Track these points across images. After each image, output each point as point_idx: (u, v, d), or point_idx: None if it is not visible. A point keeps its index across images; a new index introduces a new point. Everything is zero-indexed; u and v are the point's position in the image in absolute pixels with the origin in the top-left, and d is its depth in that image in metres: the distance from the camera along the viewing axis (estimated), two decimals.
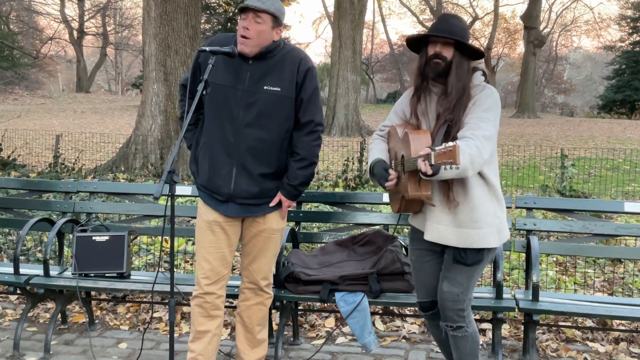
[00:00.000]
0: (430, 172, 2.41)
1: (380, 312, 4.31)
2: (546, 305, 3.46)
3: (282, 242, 3.55)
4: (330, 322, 4.27)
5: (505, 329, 4.06)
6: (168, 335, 3.79)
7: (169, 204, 2.83)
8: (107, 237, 3.95)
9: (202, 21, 30.90)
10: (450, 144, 2.28)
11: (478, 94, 2.72)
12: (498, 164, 2.88)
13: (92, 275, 3.90)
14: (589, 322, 4.12)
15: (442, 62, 2.71)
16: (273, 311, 3.95)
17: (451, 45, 2.71)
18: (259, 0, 2.92)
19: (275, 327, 3.97)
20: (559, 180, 8.73)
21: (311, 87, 3.06)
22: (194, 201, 5.88)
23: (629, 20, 39.23)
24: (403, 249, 3.74)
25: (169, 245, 5.11)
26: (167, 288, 3.45)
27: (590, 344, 3.94)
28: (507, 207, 3.20)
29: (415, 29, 45.96)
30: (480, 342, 3.37)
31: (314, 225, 5.45)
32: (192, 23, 10.55)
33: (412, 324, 4.24)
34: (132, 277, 3.96)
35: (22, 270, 3.92)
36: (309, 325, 4.27)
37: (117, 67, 54.03)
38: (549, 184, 8.79)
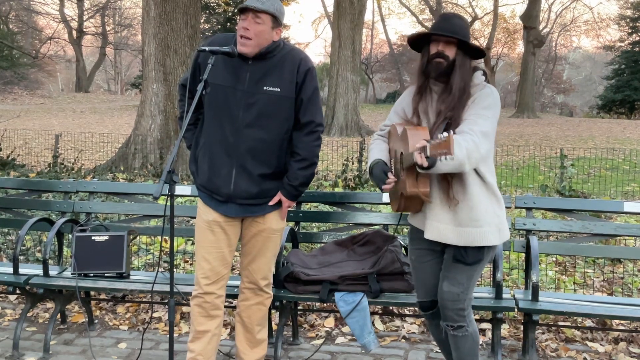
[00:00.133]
0: (425, 164, 2.41)
1: (380, 312, 4.31)
2: (546, 305, 3.46)
3: (282, 242, 3.55)
4: (330, 322, 4.27)
5: (504, 329, 4.06)
6: (167, 335, 3.80)
7: (168, 203, 2.82)
8: (106, 237, 3.94)
9: (202, 21, 30.86)
10: (445, 134, 2.28)
11: (478, 92, 2.72)
12: (497, 164, 2.89)
13: (92, 275, 3.90)
14: (588, 322, 4.12)
15: (444, 61, 2.71)
16: (273, 311, 3.95)
17: (453, 45, 2.72)
18: (258, 0, 2.92)
19: (274, 327, 3.97)
20: (558, 180, 8.74)
21: (311, 88, 3.06)
22: (194, 201, 5.88)
23: (628, 20, 39.25)
24: (403, 249, 3.74)
25: (168, 245, 5.11)
26: (167, 288, 3.44)
27: (589, 343, 3.94)
28: (507, 207, 3.20)
29: (415, 29, 45.93)
30: (480, 342, 3.37)
31: (314, 225, 5.45)
32: (192, 23, 10.54)
33: (411, 324, 4.24)
34: (131, 277, 3.95)
35: (21, 270, 3.91)
36: (309, 325, 4.27)
37: (117, 67, 54.02)
38: (548, 184, 8.79)
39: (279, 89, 3.00)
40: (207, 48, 2.94)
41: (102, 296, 4.61)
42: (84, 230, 4.03)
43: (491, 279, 4.24)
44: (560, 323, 4.13)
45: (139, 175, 9.91)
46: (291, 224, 4.14)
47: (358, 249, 3.83)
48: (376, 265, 3.57)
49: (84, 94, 39.11)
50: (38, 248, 5.46)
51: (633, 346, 3.92)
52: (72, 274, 3.89)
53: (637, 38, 38.63)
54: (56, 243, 4.36)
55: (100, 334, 4.16)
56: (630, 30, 39.22)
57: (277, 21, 2.99)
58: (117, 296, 4.61)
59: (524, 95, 32.02)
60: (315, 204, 6.25)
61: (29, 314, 4.36)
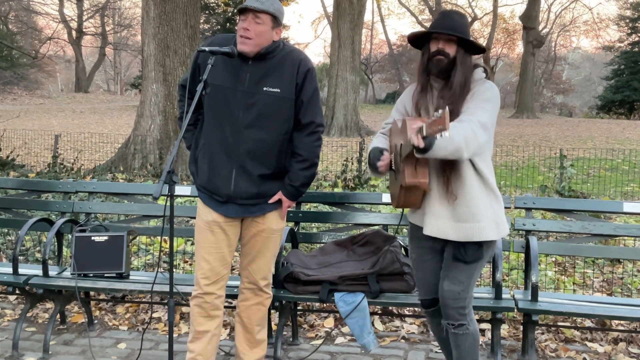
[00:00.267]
0: (422, 144, 2.40)
1: (380, 312, 4.31)
2: (545, 306, 3.46)
3: (282, 243, 3.55)
4: (330, 322, 4.27)
5: (504, 329, 4.07)
6: (167, 336, 3.80)
7: (168, 204, 2.82)
8: (106, 237, 3.94)
9: (201, 21, 30.89)
10: (440, 111, 2.28)
11: (478, 87, 2.74)
12: (497, 164, 2.90)
13: (91, 275, 3.90)
14: (588, 323, 4.12)
15: (445, 58, 2.73)
16: (272, 311, 3.95)
17: (454, 42, 2.74)
18: (258, 0, 2.92)
19: (274, 327, 3.97)
20: (558, 181, 8.74)
21: (311, 88, 3.06)
22: (193, 201, 5.88)
23: (627, 20, 39.27)
24: (402, 249, 3.74)
25: (168, 246, 5.11)
26: (167, 288, 3.44)
27: (589, 344, 3.94)
28: (506, 208, 3.20)
29: (414, 29, 45.90)
30: (480, 342, 3.37)
31: (313, 225, 5.45)
32: (191, 23, 10.54)
33: (411, 324, 4.25)
34: (131, 277, 3.95)
35: (21, 271, 3.91)
36: (308, 325, 4.27)
37: (116, 67, 54.00)
38: (548, 184, 8.79)
39: (278, 90, 3.00)
40: (206, 48, 2.94)
41: (102, 296, 4.61)
42: (83, 231, 4.03)
43: (491, 279, 4.24)
44: (559, 323, 4.14)
45: (139, 175, 9.91)
46: (291, 224, 4.14)
47: (358, 249, 3.84)
48: (376, 265, 3.57)
49: (84, 94, 39.10)
50: (38, 248, 5.46)
51: (632, 346, 3.92)
52: (71, 274, 3.89)
53: (637, 38, 38.65)
54: (56, 243, 4.36)
55: (99, 334, 4.16)
56: (629, 31, 39.25)
57: (277, 21, 2.99)
58: (116, 296, 4.61)
59: (523, 96, 32.03)
60: (314, 204, 6.25)
61: (29, 314, 4.36)
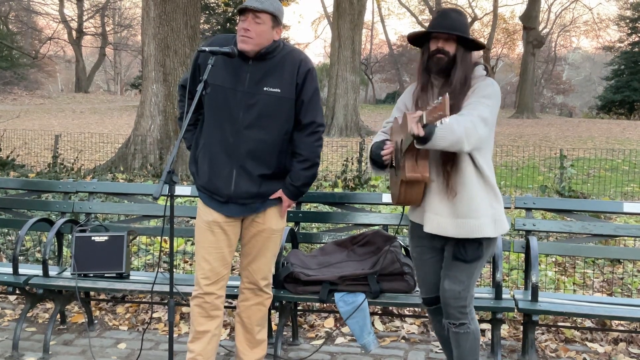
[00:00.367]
0: (422, 133, 2.40)
1: (380, 312, 4.31)
2: (545, 306, 3.46)
3: (282, 243, 3.55)
4: (330, 322, 4.27)
5: (504, 330, 4.07)
6: (167, 336, 3.81)
7: (168, 204, 2.82)
8: (106, 237, 3.94)
9: (202, 21, 30.88)
10: (440, 98, 2.28)
11: (478, 83, 2.75)
12: (497, 164, 2.90)
13: (91, 275, 3.90)
14: (588, 323, 4.12)
15: (445, 56, 2.75)
16: (272, 311, 3.95)
17: (453, 40, 2.75)
18: (257, 0, 2.92)
19: (274, 327, 3.97)
20: (558, 181, 8.73)
21: (311, 89, 3.06)
22: (193, 201, 5.88)
23: (628, 20, 39.27)
24: (402, 249, 3.74)
25: (168, 246, 5.11)
26: (167, 288, 3.44)
27: (589, 344, 3.94)
28: (507, 208, 3.19)
29: (415, 30, 45.91)
30: (480, 343, 3.37)
31: (314, 225, 5.45)
32: (192, 23, 10.54)
33: (411, 324, 4.25)
34: (131, 277, 3.95)
35: (21, 271, 3.91)
36: (309, 325, 4.27)
37: (116, 67, 54.01)
38: (548, 185, 8.79)
39: (279, 90, 3.00)
40: (207, 48, 2.94)
41: (102, 296, 4.61)
42: (83, 231, 4.03)
43: (491, 279, 4.24)
44: (559, 323, 4.14)
45: (139, 175, 9.91)
46: (291, 224, 4.14)
47: (358, 249, 3.84)
48: (376, 265, 3.57)
49: (84, 94, 39.10)
50: (38, 248, 5.46)
51: (632, 347, 3.92)
52: (71, 274, 3.89)
53: (637, 39, 38.65)
54: (56, 243, 4.36)
55: (99, 334, 4.16)
56: (629, 31, 39.24)
57: (277, 20, 2.99)
58: (116, 296, 4.61)
59: (523, 96, 32.02)
60: (315, 205, 6.25)
61: (29, 314, 4.36)
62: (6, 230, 5.74)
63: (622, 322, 4.06)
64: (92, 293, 4.35)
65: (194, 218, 3.94)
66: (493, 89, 2.74)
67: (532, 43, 31.11)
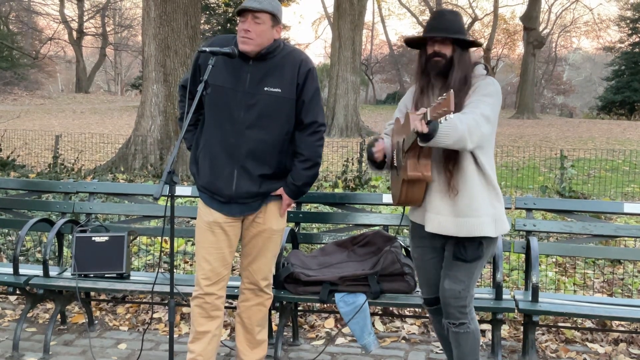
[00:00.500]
0: (425, 130, 2.40)
1: (380, 312, 4.31)
2: (546, 306, 3.46)
3: (282, 243, 3.55)
4: (330, 322, 4.27)
5: (504, 330, 4.06)
6: (168, 336, 3.80)
7: (168, 204, 2.83)
8: (106, 238, 3.94)
9: (202, 22, 30.88)
10: (445, 95, 2.28)
11: (479, 82, 2.76)
12: (497, 165, 2.90)
13: (92, 275, 3.90)
14: (588, 323, 4.12)
15: (442, 59, 2.76)
16: (273, 312, 3.95)
17: (449, 42, 2.76)
18: (255, 0, 2.92)
19: (275, 327, 3.97)
20: (558, 181, 8.73)
21: (312, 89, 3.06)
22: (194, 202, 5.88)
23: (628, 21, 39.25)
24: (403, 249, 3.74)
25: (168, 246, 5.11)
26: (167, 289, 3.45)
27: (589, 344, 3.94)
28: (507, 208, 3.20)
29: (415, 30, 45.99)
30: (480, 343, 3.37)
31: (314, 226, 5.45)
32: (192, 24, 10.55)
33: (411, 324, 4.24)
34: (131, 277, 3.95)
35: (21, 271, 3.91)
36: (309, 325, 4.27)
37: (117, 68, 54.01)
38: (548, 185, 8.79)
39: (279, 90, 3.00)
40: (207, 49, 2.94)
41: (102, 297, 4.61)
42: (84, 231, 4.03)
43: (491, 279, 4.24)
44: (560, 324, 4.14)
45: (139, 176, 9.91)
46: (291, 224, 4.14)
47: (358, 249, 3.84)
48: (376, 266, 3.57)
49: (84, 94, 39.11)
50: (38, 249, 5.46)
51: (633, 347, 3.92)
52: (72, 274, 3.89)
53: (637, 39, 38.62)
54: (56, 244, 4.36)
55: (100, 334, 4.16)
56: (630, 32, 39.21)
57: (276, 19, 2.99)
58: (117, 297, 4.61)
59: (524, 96, 32.02)
60: (315, 205, 6.26)
61: (29, 315, 4.36)
62: (6, 231, 5.75)
63: (622, 322, 4.06)
64: (92, 293, 4.35)
65: (195, 218, 3.94)
66: (494, 88, 2.75)
67: (533, 43, 31.11)
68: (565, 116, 40.26)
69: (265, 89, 3.00)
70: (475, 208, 2.72)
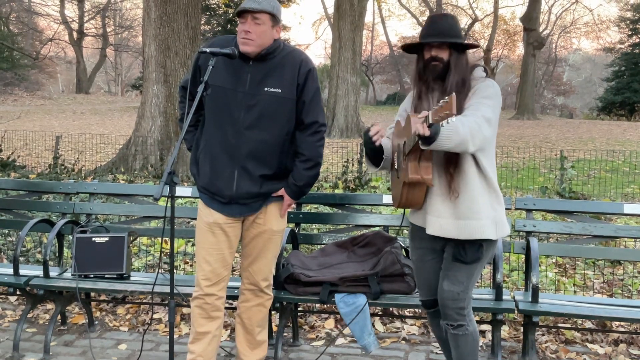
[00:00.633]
0: (427, 132, 2.40)
1: (380, 313, 4.31)
2: (546, 307, 3.46)
3: (282, 244, 3.56)
4: (330, 323, 4.27)
5: (504, 331, 4.06)
6: (168, 337, 3.80)
7: (168, 205, 2.83)
8: (106, 238, 3.95)
9: (202, 22, 30.91)
10: (447, 98, 2.28)
11: (479, 85, 2.76)
12: (497, 165, 2.90)
13: (92, 276, 3.90)
14: (588, 324, 4.12)
15: (440, 63, 2.76)
16: (273, 312, 3.95)
17: (446, 46, 2.76)
18: (254, 1, 2.93)
19: (275, 328, 3.97)
20: (558, 182, 8.73)
21: (313, 89, 3.07)
22: (194, 202, 5.88)
23: (628, 22, 39.27)
24: (403, 250, 3.75)
25: (168, 247, 5.11)
26: (167, 289, 3.45)
27: (589, 345, 3.94)
28: (507, 209, 3.20)
29: (415, 31, 46.02)
30: (480, 344, 3.38)
31: (314, 226, 5.45)
32: (192, 24, 10.55)
33: (411, 325, 4.25)
34: (131, 278, 3.96)
35: (21, 271, 3.92)
36: (309, 326, 4.27)
37: (117, 69, 54.02)
38: (548, 186, 8.79)
39: (279, 90, 3.01)
40: (207, 50, 2.95)
41: (103, 297, 4.61)
42: (84, 232, 4.03)
43: (491, 280, 4.24)
44: (560, 325, 4.14)
45: (140, 176, 9.91)
46: (291, 225, 4.14)
47: (358, 250, 3.84)
48: (376, 266, 3.57)
49: (85, 95, 39.12)
50: (38, 249, 5.46)
51: (633, 348, 3.92)
52: (72, 275, 3.90)
53: (637, 40, 38.63)
54: (56, 244, 4.36)
55: (100, 335, 4.16)
56: (630, 32, 39.23)
57: (275, 19, 3.00)
58: (117, 297, 4.61)
59: (524, 97, 32.02)
60: (315, 206, 6.26)
61: (29, 315, 4.36)
62: (7, 231, 5.75)
63: (622, 323, 4.06)
64: (92, 294, 4.36)
65: (195, 219, 3.95)
66: (494, 90, 2.75)
67: (533, 44, 31.11)
68: (566, 117, 40.27)
69: (266, 89, 3.00)
70: (476, 211, 2.72)
